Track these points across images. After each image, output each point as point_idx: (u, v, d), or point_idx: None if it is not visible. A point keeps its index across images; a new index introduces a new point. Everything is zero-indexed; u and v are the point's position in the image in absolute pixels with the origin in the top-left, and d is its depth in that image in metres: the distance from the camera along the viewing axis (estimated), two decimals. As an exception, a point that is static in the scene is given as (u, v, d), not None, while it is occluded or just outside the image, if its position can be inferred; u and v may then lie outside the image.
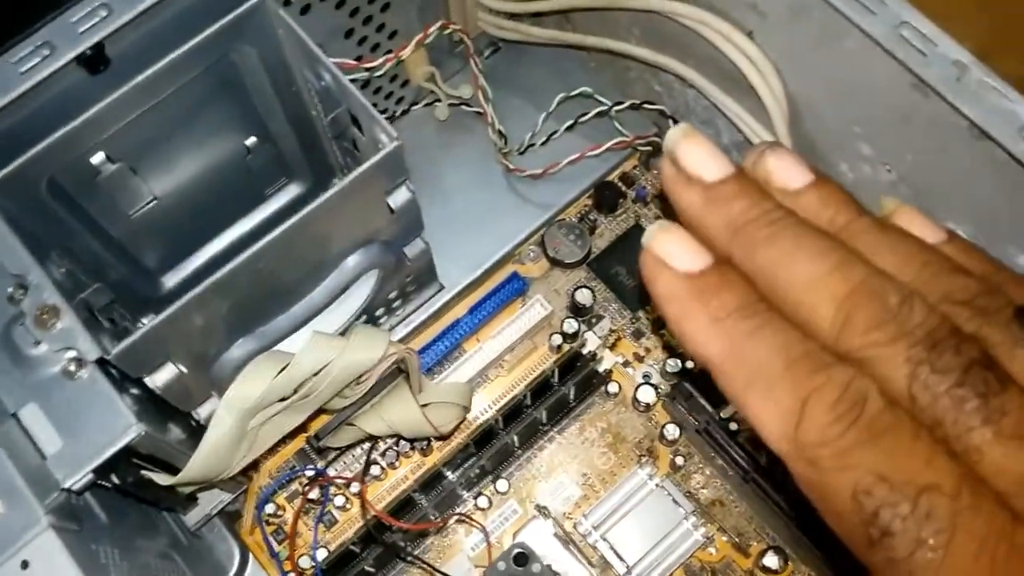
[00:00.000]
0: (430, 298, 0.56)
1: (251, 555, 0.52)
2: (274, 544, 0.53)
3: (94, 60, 0.39)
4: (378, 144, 0.42)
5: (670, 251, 0.23)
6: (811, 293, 0.21)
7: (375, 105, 0.57)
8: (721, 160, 0.24)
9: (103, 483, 0.39)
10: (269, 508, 0.53)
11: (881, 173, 0.46)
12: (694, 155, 0.24)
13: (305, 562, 0.51)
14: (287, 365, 0.42)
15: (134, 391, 0.43)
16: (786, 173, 0.24)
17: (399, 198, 0.44)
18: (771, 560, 0.50)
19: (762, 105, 0.48)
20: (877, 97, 0.42)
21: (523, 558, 0.47)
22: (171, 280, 0.55)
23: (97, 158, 0.44)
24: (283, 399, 0.42)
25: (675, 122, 0.56)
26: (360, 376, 0.46)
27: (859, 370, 0.20)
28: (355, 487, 0.52)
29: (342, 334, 0.47)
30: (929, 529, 0.18)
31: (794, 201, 0.23)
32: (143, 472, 0.40)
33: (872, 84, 0.42)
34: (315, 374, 0.43)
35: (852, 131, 0.46)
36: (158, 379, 0.41)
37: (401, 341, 0.56)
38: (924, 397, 0.19)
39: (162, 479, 0.40)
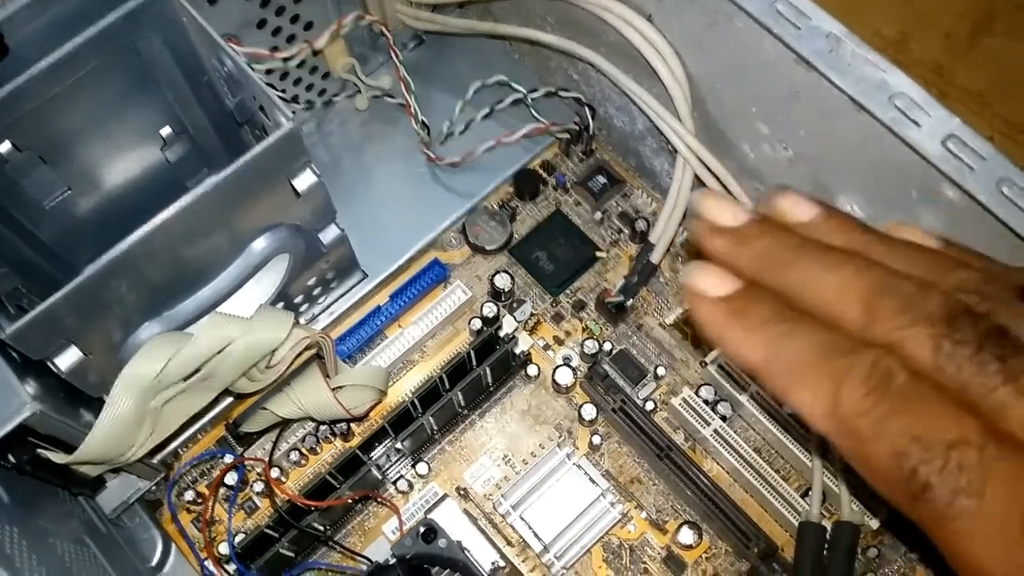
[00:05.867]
0: (353, 287, 0.57)
1: (173, 544, 0.53)
2: (189, 529, 0.53)
3: (-10, 47, 0.39)
4: (279, 126, 0.43)
5: (704, 283, 0.26)
6: (837, 297, 0.24)
7: (295, 97, 0.58)
8: (740, 209, 0.28)
9: (0, 462, 0.40)
10: (189, 495, 0.53)
11: (779, 151, 0.47)
12: (716, 210, 0.28)
13: (226, 548, 0.51)
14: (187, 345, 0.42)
15: (43, 375, 0.43)
16: (798, 209, 0.27)
17: (304, 181, 0.45)
18: (686, 536, 0.51)
19: (666, 90, 0.49)
20: (768, 75, 0.43)
21: (431, 534, 0.47)
22: (93, 271, 0.55)
23: (4, 147, 0.44)
24: (185, 379, 0.43)
25: (591, 109, 0.57)
26: (269, 359, 0.46)
27: (885, 352, 0.22)
28: (274, 472, 0.53)
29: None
30: (963, 479, 0.20)
31: (809, 231, 0.27)
32: (39, 451, 0.40)
33: (763, 62, 0.42)
34: (218, 353, 0.43)
35: (750, 111, 0.47)
36: (61, 362, 0.42)
37: (324, 330, 0.56)
38: (949, 366, 0.22)
39: (58, 458, 0.40)
